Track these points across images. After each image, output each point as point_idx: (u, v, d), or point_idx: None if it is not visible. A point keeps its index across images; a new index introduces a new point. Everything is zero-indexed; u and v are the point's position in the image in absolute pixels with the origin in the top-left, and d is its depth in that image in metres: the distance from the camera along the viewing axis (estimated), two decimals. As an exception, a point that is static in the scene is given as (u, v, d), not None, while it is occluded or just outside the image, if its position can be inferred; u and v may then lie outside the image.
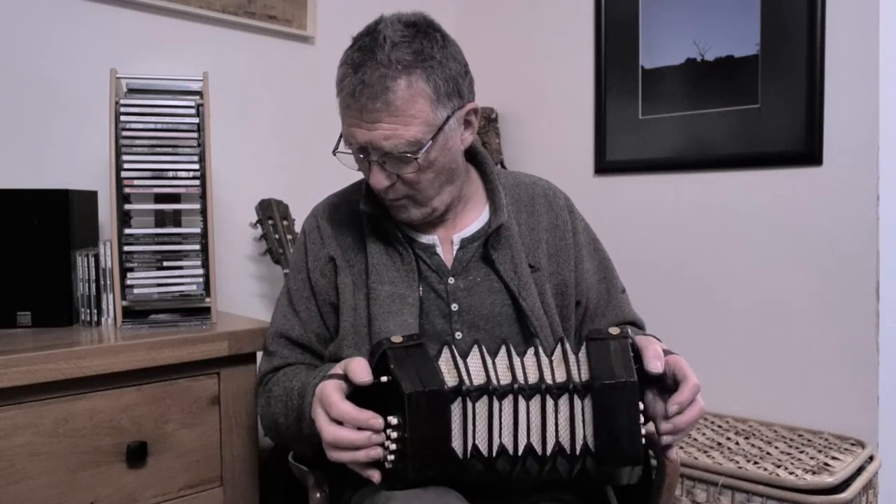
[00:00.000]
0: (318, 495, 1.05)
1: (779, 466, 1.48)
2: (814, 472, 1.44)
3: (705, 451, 1.59)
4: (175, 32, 1.74)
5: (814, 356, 1.72)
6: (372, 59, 0.95)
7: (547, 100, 2.19)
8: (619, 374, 0.88)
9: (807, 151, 1.70)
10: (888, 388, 1.66)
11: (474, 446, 0.88)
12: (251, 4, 1.85)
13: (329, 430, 0.89)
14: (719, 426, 1.77)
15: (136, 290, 1.36)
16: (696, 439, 1.68)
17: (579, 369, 0.92)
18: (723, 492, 1.50)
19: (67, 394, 1.15)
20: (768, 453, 1.57)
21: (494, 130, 2.20)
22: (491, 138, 2.18)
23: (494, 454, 0.89)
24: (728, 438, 1.67)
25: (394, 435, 0.87)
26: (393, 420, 0.87)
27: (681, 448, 1.62)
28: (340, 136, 1.03)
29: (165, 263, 1.38)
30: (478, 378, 0.90)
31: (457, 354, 0.92)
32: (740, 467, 1.49)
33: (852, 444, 1.61)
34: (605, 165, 2.06)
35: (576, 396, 0.90)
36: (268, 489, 1.42)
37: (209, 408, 1.30)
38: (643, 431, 0.89)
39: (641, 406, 0.89)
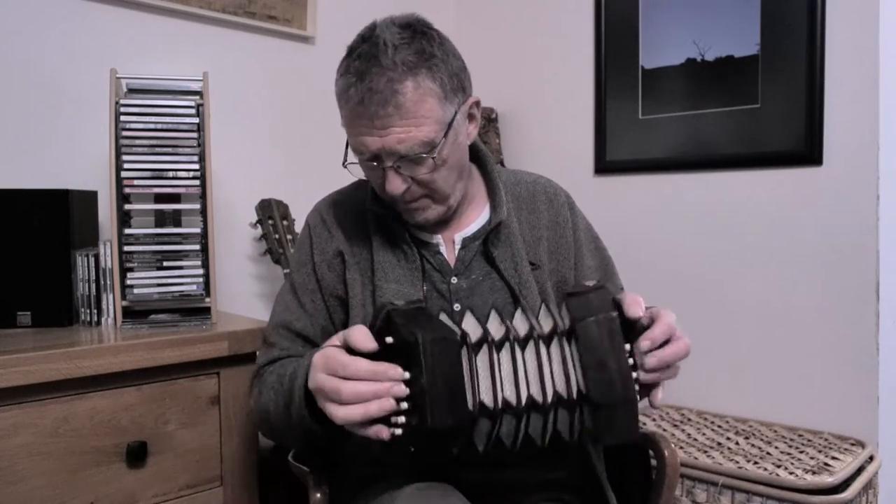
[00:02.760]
0: (318, 495, 1.05)
1: (779, 466, 1.48)
2: (814, 472, 1.44)
3: (705, 451, 1.59)
4: (175, 32, 1.74)
5: (814, 356, 1.72)
6: (377, 65, 0.94)
7: (547, 100, 2.19)
8: (598, 311, 0.88)
9: (807, 151, 1.70)
10: (888, 388, 1.66)
11: (480, 401, 0.87)
12: (251, 4, 1.85)
13: (331, 383, 0.85)
14: (719, 426, 1.77)
15: (136, 290, 1.36)
16: (696, 439, 1.68)
17: (563, 320, 0.92)
18: (723, 492, 1.50)
19: (67, 394, 1.15)
20: (768, 453, 1.57)
21: (494, 130, 2.20)
22: (491, 138, 2.18)
23: (500, 406, 0.88)
24: (728, 438, 1.67)
25: (403, 390, 0.84)
26: (406, 375, 0.84)
27: (681, 448, 1.62)
28: (347, 148, 1.02)
29: (165, 263, 1.38)
30: (475, 335, 0.90)
31: (453, 318, 0.92)
32: (740, 467, 1.49)
33: (852, 444, 1.61)
34: (605, 165, 2.06)
35: (564, 340, 0.90)
36: (268, 489, 1.42)
37: (209, 408, 1.30)
38: (634, 375, 0.88)
39: (628, 347, 0.88)
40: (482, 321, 0.93)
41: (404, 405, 0.84)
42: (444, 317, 0.92)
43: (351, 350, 0.88)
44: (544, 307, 0.94)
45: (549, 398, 0.88)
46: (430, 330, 0.85)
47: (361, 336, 0.87)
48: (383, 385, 0.83)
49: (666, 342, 0.90)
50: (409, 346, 0.84)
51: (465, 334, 0.89)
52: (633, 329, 0.92)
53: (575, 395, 0.88)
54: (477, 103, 1.06)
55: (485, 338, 0.90)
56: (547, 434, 0.89)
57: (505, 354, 0.90)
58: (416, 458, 0.86)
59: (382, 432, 0.85)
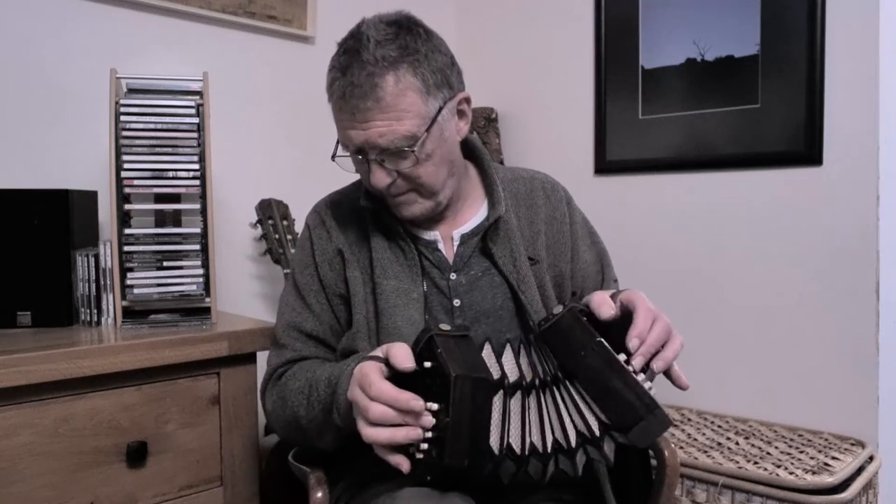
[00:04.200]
0: (318, 495, 1.05)
1: (779, 466, 1.48)
2: (814, 472, 1.44)
3: (705, 451, 1.59)
4: (175, 32, 1.74)
5: (814, 356, 1.72)
6: (358, 60, 0.96)
7: (547, 100, 2.19)
8: (582, 343, 0.89)
9: (807, 151, 1.70)
10: (888, 388, 1.66)
11: (508, 444, 0.88)
12: (251, 4, 1.85)
13: (374, 407, 0.86)
14: (719, 426, 1.77)
15: (136, 290, 1.36)
16: (696, 439, 1.68)
17: (547, 361, 0.93)
18: (723, 492, 1.50)
19: (67, 394, 1.15)
20: (768, 453, 1.57)
21: (494, 130, 2.20)
22: (491, 138, 2.18)
23: (527, 452, 0.89)
24: (728, 438, 1.67)
25: (430, 421, 0.85)
26: (433, 406, 0.85)
27: (681, 448, 1.62)
28: (338, 143, 1.04)
29: (165, 263, 1.38)
30: (512, 375, 0.92)
31: (496, 353, 0.93)
32: (740, 467, 1.49)
33: (852, 444, 1.61)
34: (605, 165, 2.06)
35: (568, 383, 0.91)
36: (268, 489, 1.41)
37: (209, 408, 1.30)
38: (642, 377, 0.88)
39: (623, 357, 0.89)
40: (519, 360, 0.94)
41: (429, 434, 0.85)
42: (487, 349, 0.93)
43: (389, 364, 0.89)
44: (509, 349, 0.97)
45: (574, 441, 0.89)
46: (469, 367, 0.85)
47: (402, 354, 0.88)
48: (411, 414, 0.85)
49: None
50: (443, 378, 0.84)
51: (504, 376, 0.90)
52: (614, 328, 0.92)
53: (598, 431, 0.88)
54: (466, 99, 1.07)
55: (520, 382, 0.91)
56: (579, 468, 0.90)
57: (533, 400, 0.92)
58: (434, 483, 0.88)
59: (403, 465, 0.86)
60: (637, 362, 0.89)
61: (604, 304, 0.95)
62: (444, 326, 0.91)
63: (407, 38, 0.98)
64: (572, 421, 0.90)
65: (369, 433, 0.87)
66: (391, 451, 0.87)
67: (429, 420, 0.85)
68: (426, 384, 0.86)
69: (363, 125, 0.97)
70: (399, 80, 0.96)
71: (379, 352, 0.92)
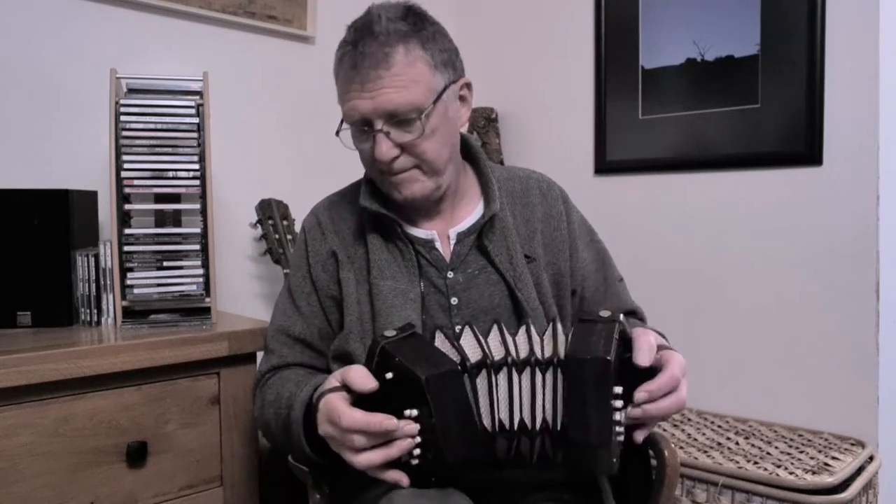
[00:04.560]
0: (318, 495, 1.05)
1: (779, 466, 1.48)
2: (814, 472, 1.44)
3: (705, 451, 1.59)
4: (175, 32, 1.74)
5: (814, 356, 1.72)
6: (370, 33, 0.99)
7: (547, 100, 2.19)
8: (593, 351, 0.86)
9: (807, 151, 1.70)
10: (888, 388, 1.66)
11: (499, 420, 0.89)
12: (251, 4, 1.85)
13: (353, 438, 0.86)
14: (719, 426, 1.77)
15: (136, 290, 1.36)
16: (696, 439, 1.68)
17: (566, 347, 0.91)
18: (723, 492, 1.50)
19: (67, 394, 1.15)
20: (768, 453, 1.57)
21: (494, 130, 2.20)
22: (491, 138, 2.18)
23: (497, 429, 0.90)
24: (728, 438, 1.67)
25: (415, 428, 0.85)
26: (413, 413, 0.85)
27: (681, 448, 1.62)
28: (342, 121, 1.05)
29: (165, 263, 1.38)
30: (474, 356, 0.91)
31: (451, 337, 0.93)
32: (740, 467, 1.49)
33: (852, 444, 1.61)
34: (605, 165, 2.06)
35: (558, 371, 0.90)
36: (268, 489, 1.42)
37: (209, 408, 1.30)
38: (617, 417, 0.85)
39: (619, 390, 0.86)
40: (480, 340, 0.93)
41: (418, 439, 0.86)
42: (439, 338, 0.93)
43: (350, 390, 0.89)
44: (551, 328, 0.95)
45: (539, 425, 0.90)
46: (430, 364, 0.86)
47: (360, 376, 0.88)
48: (409, 427, 0.85)
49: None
50: (412, 382, 0.84)
51: (463, 359, 0.90)
52: (635, 372, 0.90)
53: (559, 427, 0.89)
54: (468, 85, 1.10)
55: (483, 361, 0.91)
56: (534, 456, 0.91)
57: (503, 378, 0.91)
58: (439, 484, 0.89)
59: (403, 480, 0.87)
60: (634, 413, 0.88)
61: (645, 350, 0.89)
62: (388, 333, 0.91)
63: (416, 18, 1.02)
64: (543, 406, 0.90)
65: (361, 461, 0.87)
66: (385, 468, 0.88)
67: (412, 428, 0.85)
68: (395, 394, 0.86)
69: (372, 94, 0.99)
70: (409, 52, 0.99)
71: (335, 380, 0.92)
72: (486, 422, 0.90)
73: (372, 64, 0.98)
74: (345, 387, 0.90)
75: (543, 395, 0.91)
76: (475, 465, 0.89)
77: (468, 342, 0.93)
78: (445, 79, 1.03)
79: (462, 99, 1.09)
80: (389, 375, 0.87)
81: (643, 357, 0.89)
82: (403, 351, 0.87)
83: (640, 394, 0.88)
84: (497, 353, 0.92)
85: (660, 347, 0.93)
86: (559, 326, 0.94)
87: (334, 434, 0.89)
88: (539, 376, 0.91)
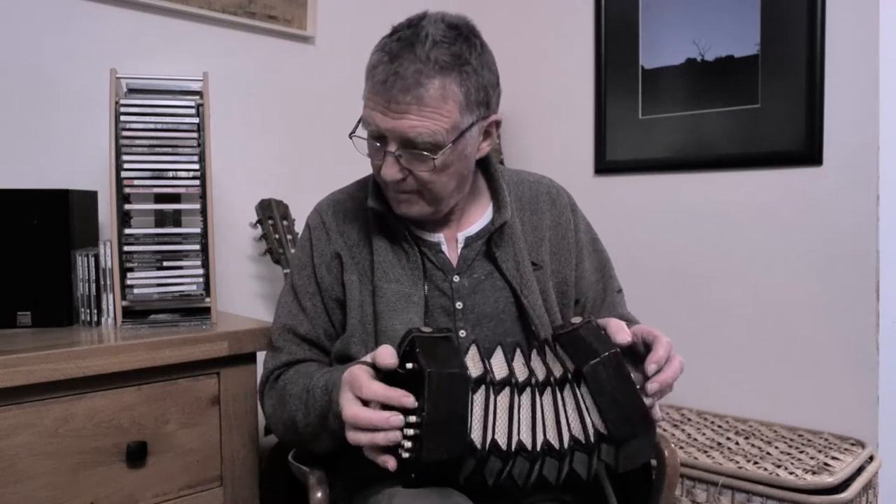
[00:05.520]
0: (318, 495, 1.05)
1: (779, 466, 1.48)
2: (814, 472, 1.44)
3: (705, 451, 1.59)
4: (175, 32, 1.74)
5: (814, 356, 1.72)
6: (410, 53, 0.95)
7: (547, 100, 2.19)
8: (598, 352, 0.90)
9: (807, 151, 1.70)
10: (888, 388, 1.66)
11: (493, 440, 0.88)
12: (251, 4, 1.85)
13: (349, 410, 0.88)
14: (719, 426, 1.77)
15: (136, 290, 1.36)
16: (696, 439, 1.68)
17: (566, 363, 0.94)
18: (723, 492, 1.50)
19: (67, 394, 1.15)
20: (768, 453, 1.57)
21: (494, 130, 2.20)
22: (491, 138, 2.18)
23: (514, 448, 0.89)
24: (728, 438, 1.67)
25: (413, 420, 0.86)
26: (415, 405, 0.86)
27: (681, 448, 1.62)
28: (359, 121, 1.03)
29: (165, 263, 1.38)
30: (500, 374, 0.93)
31: (483, 353, 0.94)
32: (740, 467, 1.49)
33: (852, 444, 1.61)
34: (605, 165, 2.06)
35: (574, 384, 0.92)
36: (268, 489, 1.42)
37: (209, 408, 1.30)
38: (647, 401, 0.90)
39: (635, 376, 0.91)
40: (509, 360, 0.95)
41: (411, 432, 0.86)
42: (472, 350, 0.94)
43: (375, 367, 0.90)
44: (547, 349, 0.97)
45: (566, 443, 0.90)
46: (444, 364, 0.86)
47: (385, 353, 0.90)
48: (384, 415, 0.86)
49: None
50: (419, 376, 0.85)
51: (487, 371, 0.91)
52: (630, 354, 0.94)
53: (593, 438, 0.89)
54: (497, 122, 1.06)
55: (508, 379, 0.92)
56: (562, 475, 0.91)
57: (526, 399, 0.92)
58: (420, 483, 0.88)
59: (389, 462, 0.87)
60: (652, 388, 0.91)
61: (621, 331, 0.95)
62: (426, 329, 0.92)
63: (463, 46, 0.97)
64: (569, 424, 0.90)
65: (351, 437, 0.89)
66: (378, 451, 0.89)
67: (398, 420, 0.85)
68: (411, 384, 0.87)
69: (395, 115, 0.96)
70: (444, 87, 0.95)
71: (367, 357, 0.93)
72: (501, 439, 0.89)
73: (403, 88, 0.94)
74: (373, 364, 0.91)
75: (566, 412, 0.91)
76: (451, 474, 0.89)
77: (497, 361, 0.95)
78: (475, 117, 1.00)
79: (487, 134, 1.06)
80: (410, 366, 0.88)
81: (622, 336, 0.95)
82: (427, 346, 0.88)
83: (651, 366, 0.91)
84: (521, 375, 0.94)
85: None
86: (516, 350, 0.97)
87: (346, 409, 0.89)
88: (559, 395, 0.92)
